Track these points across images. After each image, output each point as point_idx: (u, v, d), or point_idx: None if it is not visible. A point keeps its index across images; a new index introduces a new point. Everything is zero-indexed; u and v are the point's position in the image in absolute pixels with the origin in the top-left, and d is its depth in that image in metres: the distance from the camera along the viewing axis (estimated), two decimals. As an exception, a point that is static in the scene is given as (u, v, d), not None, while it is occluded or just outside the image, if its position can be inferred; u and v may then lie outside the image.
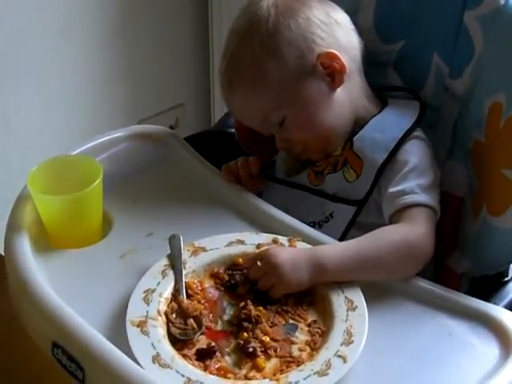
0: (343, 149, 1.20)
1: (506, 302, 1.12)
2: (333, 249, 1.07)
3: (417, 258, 1.07)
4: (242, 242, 1.10)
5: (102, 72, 2.20)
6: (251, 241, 1.11)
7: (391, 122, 1.19)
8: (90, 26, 2.12)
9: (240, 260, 1.08)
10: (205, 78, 2.41)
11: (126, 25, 2.20)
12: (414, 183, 1.13)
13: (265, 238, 1.12)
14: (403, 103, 1.22)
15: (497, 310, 1.03)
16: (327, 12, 1.19)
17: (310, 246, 1.09)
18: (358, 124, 1.20)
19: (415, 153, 1.16)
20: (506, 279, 1.16)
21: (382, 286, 1.06)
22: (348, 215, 1.17)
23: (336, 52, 1.17)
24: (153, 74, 2.32)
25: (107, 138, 1.32)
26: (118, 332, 0.97)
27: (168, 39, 2.31)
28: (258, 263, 1.04)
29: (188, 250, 1.09)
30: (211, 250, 1.09)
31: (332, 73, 1.17)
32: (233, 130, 1.42)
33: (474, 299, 1.05)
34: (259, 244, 1.10)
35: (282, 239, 1.11)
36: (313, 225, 1.19)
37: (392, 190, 1.14)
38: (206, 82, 2.42)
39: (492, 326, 1.01)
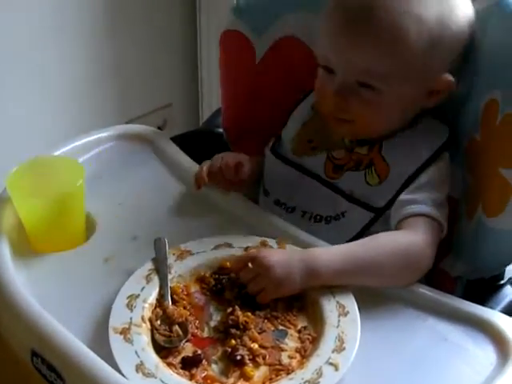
0: (370, 149, 1.16)
1: (502, 305, 1.09)
2: (328, 252, 1.04)
3: (414, 266, 1.05)
4: (229, 245, 1.07)
5: (90, 72, 2.17)
6: (239, 244, 1.07)
7: (423, 140, 1.15)
8: (77, 25, 2.09)
9: (227, 264, 1.04)
10: (193, 78, 2.39)
11: (113, 24, 2.17)
12: (426, 195, 1.11)
13: (253, 240, 1.08)
14: (434, 124, 1.17)
15: (493, 315, 1.00)
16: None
17: (299, 249, 1.06)
18: (391, 129, 1.16)
19: (437, 170, 1.13)
20: (502, 282, 1.13)
21: (374, 291, 1.03)
22: (363, 220, 1.13)
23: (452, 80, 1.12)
24: (140, 74, 2.29)
25: (91, 138, 1.30)
26: (100, 340, 0.94)
27: (155, 39, 2.28)
28: (249, 265, 1.00)
29: (174, 254, 1.05)
30: (197, 253, 1.06)
31: (435, 92, 1.13)
32: (220, 130, 1.40)
33: (469, 303, 1.02)
34: (247, 247, 1.07)
35: (271, 242, 1.08)
36: (319, 218, 1.16)
37: (404, 197, 1.11)
38: (194, 82, 2.39)
39: (488, 331, 0.98)
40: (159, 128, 2.37)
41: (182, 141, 1.34)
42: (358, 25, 1.08)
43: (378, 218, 1.13)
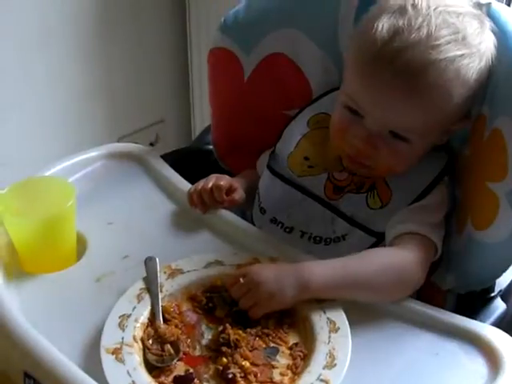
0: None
1: (492, 318, 1.09)
2: (319, 265, 1.04)
3: (404, 283, 1.05)
4: (220, 263, 1.07)
5: (80, 89, 2.17)
6: (230, 261, 1.07)
7: (425, 167, 1.14)
8: (66, 42, 2.09)
9: (219, 282, 1.05)
10: (184, 94, 2.39)
11: (103, 41, 2.17)
12: (423, 216, 1.11)
13: (244, 258, 1.08)
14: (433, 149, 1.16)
15: (483, 328, 1.00)
16: None
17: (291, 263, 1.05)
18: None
19: (436, 194, 1.14)
20: (493, 295, 1.13)
21: (365, 306, 1.03)
22: (364, 244, 1.13)
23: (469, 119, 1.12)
24: (132, 91, 2.29)
25: (81, 157, 1.30)
26: (93, 360, 0.94)
27: (146, 55, 2.28)
28: (241, 280, 1.01)
29: (165, 272, 1.05)
30: (189, 271, 1.06)
31: (451, 130, 1.13)
32: (210, 147, 1.40)
33: (459, 317, 1.02)
34: (239, 264, 1.07)
35: (263, 260, 1.08)
36: (319, 239, 1.16)
37: (399, 217, 1.12)
38: (186, 98, 2.39)
39: (479, 345, 0.98)
40: (151, 144, 2.38)
41: (172, 158, 1.34)
42: (409, 82, 1.03)
43: (380, 243, 1.13)
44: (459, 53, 1.03)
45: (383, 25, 1.04)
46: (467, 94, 1.05)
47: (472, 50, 1.04)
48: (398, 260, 1.06)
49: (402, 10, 1.04)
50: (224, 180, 1.22)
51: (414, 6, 1.04)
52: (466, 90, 1.05)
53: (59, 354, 0.93)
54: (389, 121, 1.07)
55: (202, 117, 2.32)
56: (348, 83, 1.11)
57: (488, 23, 1.07)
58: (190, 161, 1.40)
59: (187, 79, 2.35)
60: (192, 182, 1.23)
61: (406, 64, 1.02)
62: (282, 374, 0.93)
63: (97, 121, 2.26)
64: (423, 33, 1.02)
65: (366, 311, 1.03)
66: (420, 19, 1.03)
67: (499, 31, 1.07)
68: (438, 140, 1.13)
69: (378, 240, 1.13)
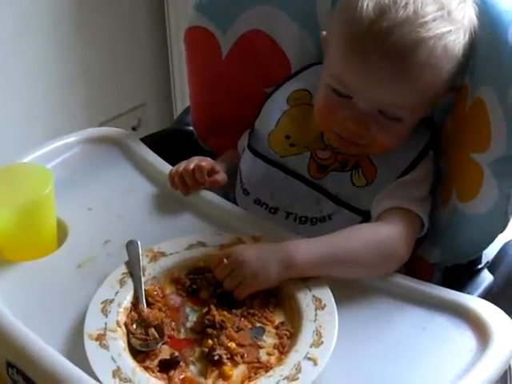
0: None
1: (480, 290, 1.08)
2: (303, 244, 1.03)
3: (390, 258, 1.04)
4: (203, 244, 1.06)
5: (60, 76, 2.15)
6: (213, 242, 1.06)
7: (410, 141, 1.13)
8: (44, 30, 2.07)
9: (202, 263, 1.03)
10: (165, 77, 2.37)
11: (81, 26, 2.15)
12: (408, 191, 1.10)
13: (227, 238, 1.07)
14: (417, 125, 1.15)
15: (471, 300, 1.00)
16: None
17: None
18: None
19: (421, 169, 1.13)
20: (480, 267, 1.12)
21: (351, 282, 1.03)
22: (351, 223, 1.10)
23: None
24: (111, 76, 2.27)
25: (59, 143, 1.29)
26: (76, 347, 0.93)
27: (125, 39, 2.26)
28: (225, 261, 0.99)
29: (147, 256, 1.04)
30: (171, 254, 1.05)
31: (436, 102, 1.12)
32: (190, 128, 1.38)
33: (447, 290, 1.02)
34: (222, 245, 1.06)
35: (246, 239, 1.07)
36: (304, 219, 1.14)
37: (385, 193, 1.11)
38: (167, 81, 2.37)
39: (467, 317, 0.98)
40: (134, 129, 2.36)
41: (152, 141, 1.32)
42: (399, 62, 1.02)
43: (367, 221, 1.12)
44: (446, 29, 1.02)
45: (368, 3, 1.02)
46: (454, 68, 1.05)
47: (457, 25, 1.03)
48: (383, 235, 1.05)
49: None
50: (206, 161, 1.20)
51: None
52: (453, 65, 1.05)
53: (42, 342, 0.91)
54: (379, 100, 1.06)
55: (184, 99, 2.30)
56: (333, 64, 1.09)
57: None
58: (170, 142, 1.39)
59: (167, 61, 2.33)
60: (173, 164, 1.22)
61: (395, 44, 1.01)
62: (268, 354, 0.92)
63: (77, 107, 2.23)
64: (410, 10, 1.01)
65: (353, 288, 1.02)
66: None
67: (480, 2, 1.07)
68: (426, 114, 1.13)
69: (365, 218, 1.12)
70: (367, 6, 1.02)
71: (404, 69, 1.02)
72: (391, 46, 1.01)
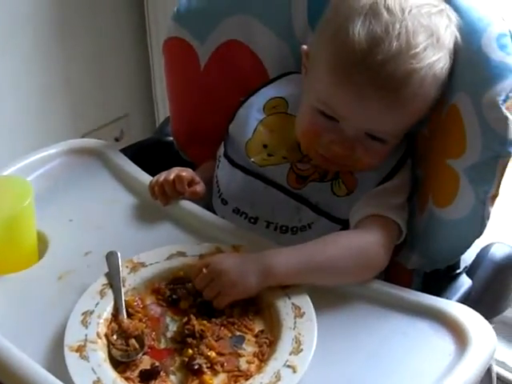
0: None
1: (459, 295, 1.08)
2: (282, 252, 1.04)
3: (367, 265, 1.05)
4: (182, 254, 1.06)
5: (41, 88, 2.14)
6: (193, 252, 1.07)
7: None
8: (26, 41, 2.06)
9: (181, 273, 1.04)
10: (147, 88, 2.37)
11: (64, 38, 2.14)
12: (385, 198, 1.11)
13: (207, 247, 1.08)
14: None
15: (449, 305, 1.00)
16: None
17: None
18: None
19: (399, 177, 1.14)
20: (458, 272, 1.13)
21: (331, 290, 1.03)
22: (330, 232, 1.10)
23: None
24: (94, 87, 2.26)
25: (40, 155, 1.29)
26: (57, 359, 0.93)
27: (107, 51, 2.26)
28: (204, 270, 1.00)
29: (127, 267, 1.04)
30: (151, 264, 1.05)
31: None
32: (171, 138, 1.39)
33: (425, 295, 1.02)
34: (201, 255, 1.06)
35: (226, 248, 1.07)
36: (285, 229, 1.14)
37: (362, 201, 1.11)
38: (149, 92, 2.37)
39: (446, 322, 0.98)
40: (117, 140, 2.36)
41: (132, 151, 1.33)
42: (392, 94, 1.02)
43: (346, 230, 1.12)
44: (435, 58, 1.03)
45: (359, 31, 1.02)
46: (440, 89, 1.06)
47: (444, 50, 1.04)
48: (361, 242, 1.06)
49: (375, 13, 1.02)
50: (186, 172, 1.20)
51: (386, 7, 1.03)
52: (440, 87, 1.06)
53: (22, 354, 0.91)
54: (368, 126, 1.07)
55: (166, 109, 2.29)
56: (321, 89, 1.08)
57: (453, 16, 1.06)
58: (150, 153, 1.39)
59: (149, 72, 2.33)
60: (153, 175, 1.22)
61: (388, 76, 1.01)
62: (248, 362, 0.93)
63: (60, 119, 2.22)
64: (403, 41, 1.01)
65: (332, 295, 1.03)
66: (397, 25, 1.01)
67: (454, 9, 1.07)
68: (409, 131, 1.14)
69: (344, 227, 1.13)
70: (359, 34, 1.02)
71: (397, 100, 1.03)
72: (385, 78, 1.01)
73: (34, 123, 2.16)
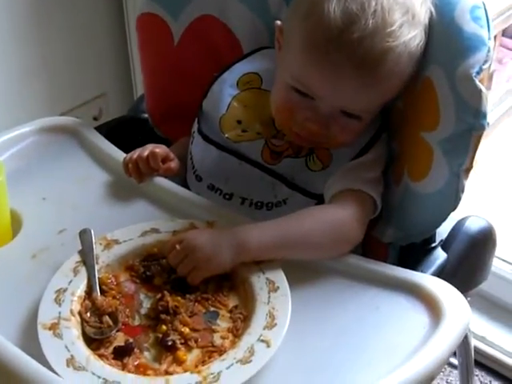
0: None
1: (434, 268, 1.09)
2: (256, 227, 1.03)
3: (342, 239, 1.05)
4: (156, 231, 1.06)
5: (18, 67, 2.12)
6: (166, 228, 1.06)
7: None
8: (2, 21, 2.04)
9: (155, 250, 1.03)
10: (125, 66, 2.35)
11: (40, 17, 2.12)
12: (360, 172, 1.11)
13: (181, 224, 1.07)
14: None
15: (424, 278, 1.01)
16: None
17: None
18: None
19: (374, 151, 1.14)
20: (433, 245, 1.13)
21: (305, 264, 1.03)
22: (305, 207, 1.10)
23: None
24: (71, 66, 2.25)
25: (13, 134, 1.28)
26: (31, 337, 0.92)
27: (85, 29, 2.24)
28: (177, 247, 0.99)
29: (100, 244, 1.04)
30: (125, 241, 1.04)
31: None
32: (145, 115, 1.38)
33: (400, 269, 1.03)
34: (175, 231, 1.06)
35: (200, 224, 1.07)
36: (260, 205, 1.14)
37: (337, 175, 1.11)
38: (127, 70, 2.35)
39: (420, 295, 0.98)
40: (95, 118, 2.34)
41: (107, 129, 1.32)
42: (368, 71, 1.02)
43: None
44: (411, 35, 1.02)
45: (334, 8, 1.01)
46: (416, 66, 1.06)
47: (420, 27, 1.04)
48: (335, 216, 1.06)
49: None
50: (160, 148, 1.19)
51: None
52: (415, 63, 1.05)
53: (-5, 333, 0.91)
54: (343, 104, 1.06)
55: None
56: (296, 66, 1.07)
57: None
58: (125, 130, 1.38)
59: (126, 51, 2.31)
60: (128, 152, 1.21)
61: (364, 54, 1.00)
62: (222, 338, 0.93)
63: (38, 98, 2.21)
64: (378, 18, 1.00)
65: (307, 269, 1.02)
66: (373, 2, 1.00)
67: None
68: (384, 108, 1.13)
69: (319, 202, 1.13)
70: (334, 11, 1.00)
71: (373, 78, 1.03)
72: (361, 57, 1.00)
73: (12, 104, 2.14)
